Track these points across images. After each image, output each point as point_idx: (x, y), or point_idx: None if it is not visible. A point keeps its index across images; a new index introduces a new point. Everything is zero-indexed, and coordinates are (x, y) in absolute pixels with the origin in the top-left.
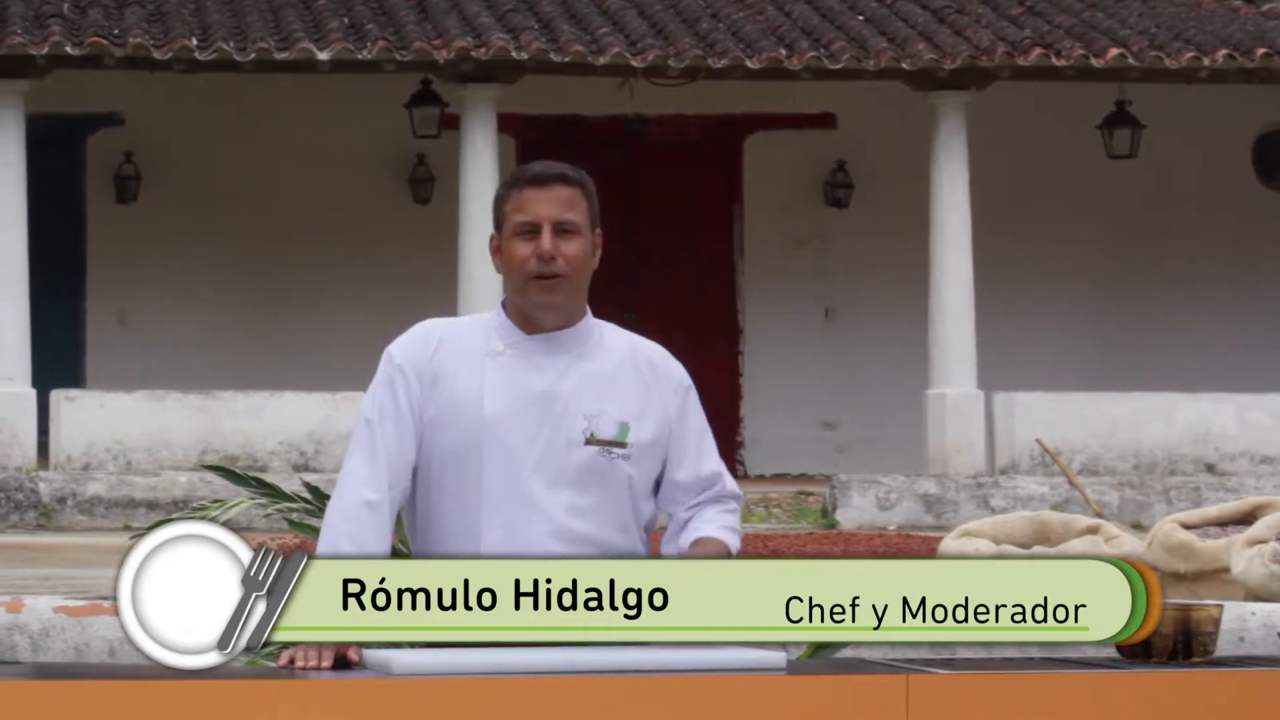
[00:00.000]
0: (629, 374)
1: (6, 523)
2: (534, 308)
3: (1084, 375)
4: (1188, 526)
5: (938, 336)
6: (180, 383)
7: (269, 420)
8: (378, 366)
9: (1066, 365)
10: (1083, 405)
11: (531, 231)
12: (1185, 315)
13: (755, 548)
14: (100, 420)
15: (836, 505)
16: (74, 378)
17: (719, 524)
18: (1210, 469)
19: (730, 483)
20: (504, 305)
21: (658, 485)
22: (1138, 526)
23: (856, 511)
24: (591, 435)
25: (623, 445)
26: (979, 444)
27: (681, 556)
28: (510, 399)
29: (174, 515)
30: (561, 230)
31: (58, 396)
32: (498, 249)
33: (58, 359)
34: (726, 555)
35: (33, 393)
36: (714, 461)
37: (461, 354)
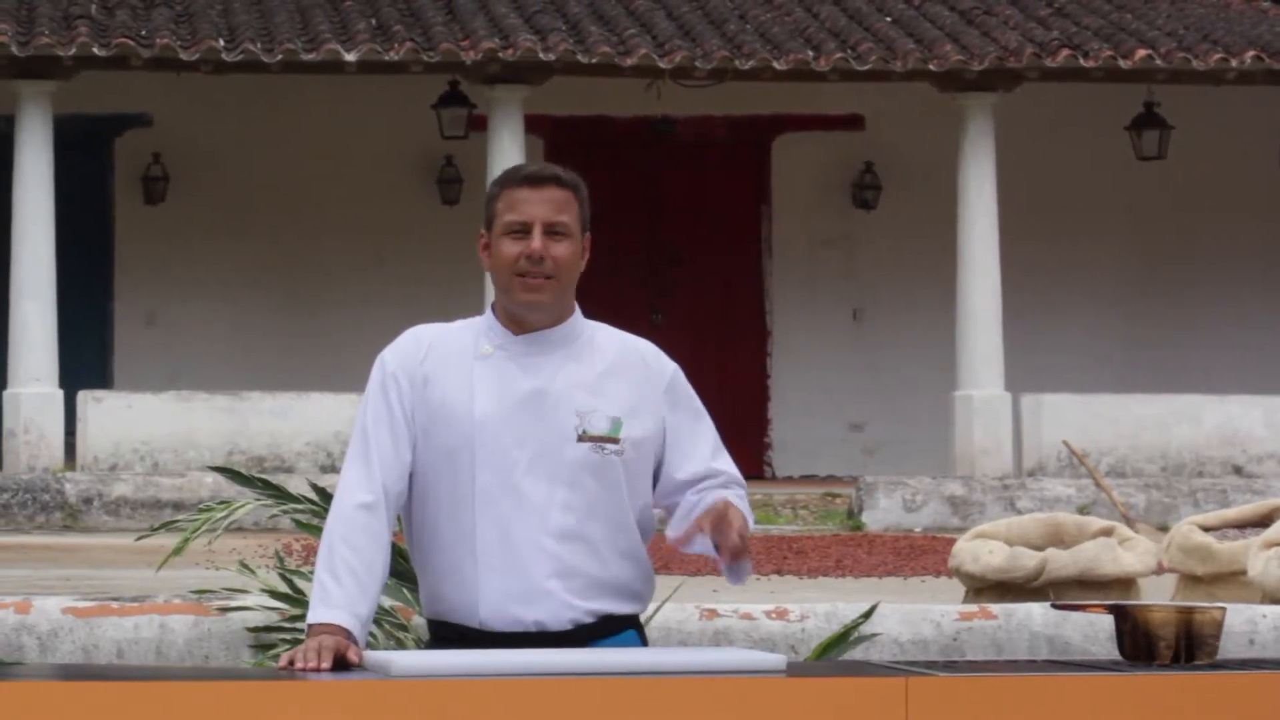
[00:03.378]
0: (620, 371)
1: (33, 523)
2: (519, 306)
3: (1111, 377)
4: (1206, 528)
5: (965, 338)
6: (208, 384)
7: (296, 421)
8: (370, 374)
9: (1094, 367)
10: (1110, 407)
11: (522, 231)
12: (1213, 317)
13: (781, 549)
14: (127, 421)
15: (863, 507)
16: (102, 379)
17: (728, 495)
18: (1238, 471)
19: (732, 470)
20: (493, 308)
21: (655, 479)
22: (1164, 528)
23: (883, 513)
24: (584, 432)
25: (615, 441)
26: (1006, 446)
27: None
28: (500, 400)
29: (178, 518)
30: (552, 232)
31: (85, 397)
32: (486, 247)
33: (85, 360)
34: (740, 516)
35: (60, 393)
36: (714, 455)
37: (450, 357)
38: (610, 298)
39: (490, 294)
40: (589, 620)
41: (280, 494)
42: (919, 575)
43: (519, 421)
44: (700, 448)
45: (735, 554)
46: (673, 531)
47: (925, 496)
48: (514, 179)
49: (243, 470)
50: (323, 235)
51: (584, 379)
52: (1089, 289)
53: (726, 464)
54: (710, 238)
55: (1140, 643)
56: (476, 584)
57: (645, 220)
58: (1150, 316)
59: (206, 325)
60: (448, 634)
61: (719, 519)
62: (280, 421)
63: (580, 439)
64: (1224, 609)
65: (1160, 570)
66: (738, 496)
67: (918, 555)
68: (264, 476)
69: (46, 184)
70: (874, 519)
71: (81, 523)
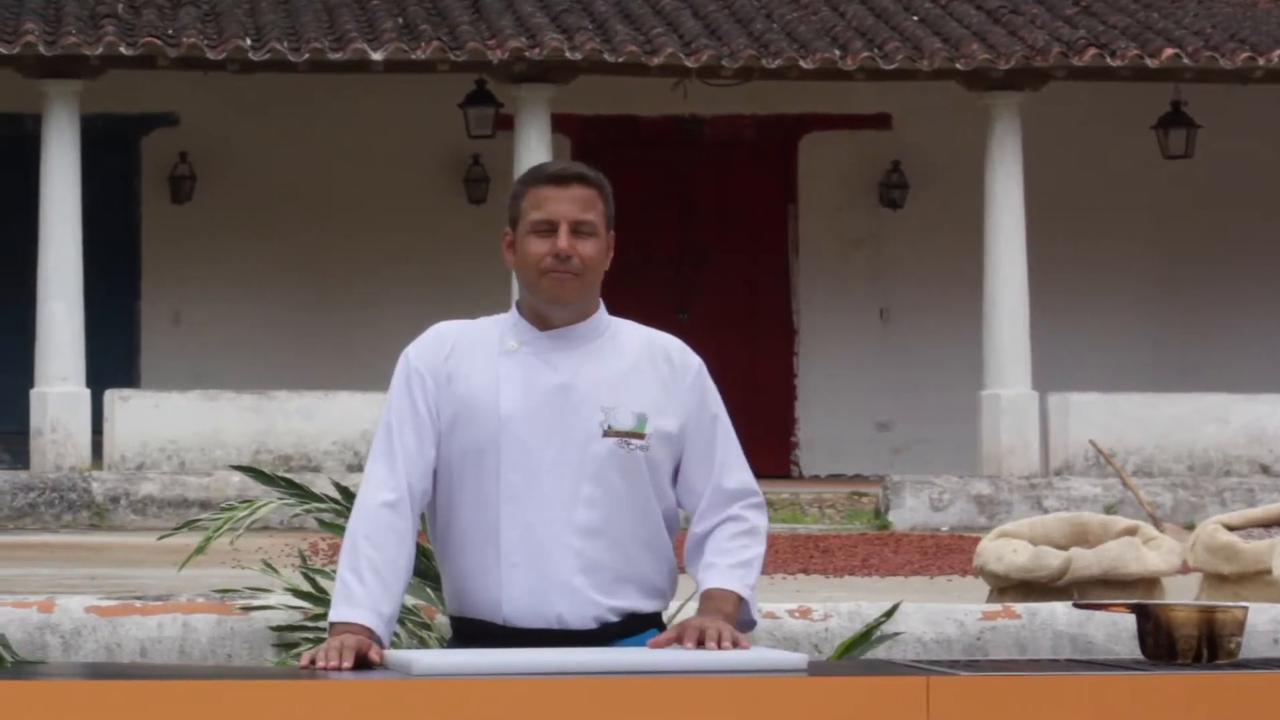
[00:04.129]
0: (645, 367)
1: (60, 522)
2: (545, 303)
3: (1138, 376)
4: (1231, 528)
5: (992, 337)
6: (234, 383)
7: (322, 420)
8: (395, 370)
9: (1121, 366)
10: (1137, 406)
11: (549, 230)
12: (1240, 316)
13: (807, 548)
14: (154, 420)
15: (889, 506)
16: (128, 378)
17: (730, 562)
18: (1265, 470)
19: (744, 483)
20: (517, 305)
21: (675, 475)
22: (1191, 528)
23: (909, 512)
24: (609, 427)
25: (640, 436)
26: (1033, 445)
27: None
28: (526, 395)
29: (200, 517)
30: (578, 230)
31: (112, 396)
32: (510, 244)
33: (112, 359)
34: (738, 603)
35: (87, 393)
36: (734, 472)
37: (475, 353)
38: (637, 297)
39: (517, 293)
40: (612, 619)
41: (303, 493)
42: (945, 574)
43: (544, 417)
44: (720, 456)
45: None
46: (689, 567)
47: (952, 496)
48: (540, 177)
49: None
50: (350, 234)
51: (608, 375)
52: (1116, 288)
53: (738, 474)
54: (737, 237)
55: (1162, 642)
56: (500, 580)
57: (672, 220)
58: (1177, 315)
59: (233, 324)
60: (471, 631)
61: (698, 637)
62: (307, 421)
63: (605, 434)
64: (1246, 608)
65: (1185, 570)
66: (741, 565)
67: (944, 554)
68: (291, 475)
69: (73, 183)
70: (901, 518)
71: (108, 522)
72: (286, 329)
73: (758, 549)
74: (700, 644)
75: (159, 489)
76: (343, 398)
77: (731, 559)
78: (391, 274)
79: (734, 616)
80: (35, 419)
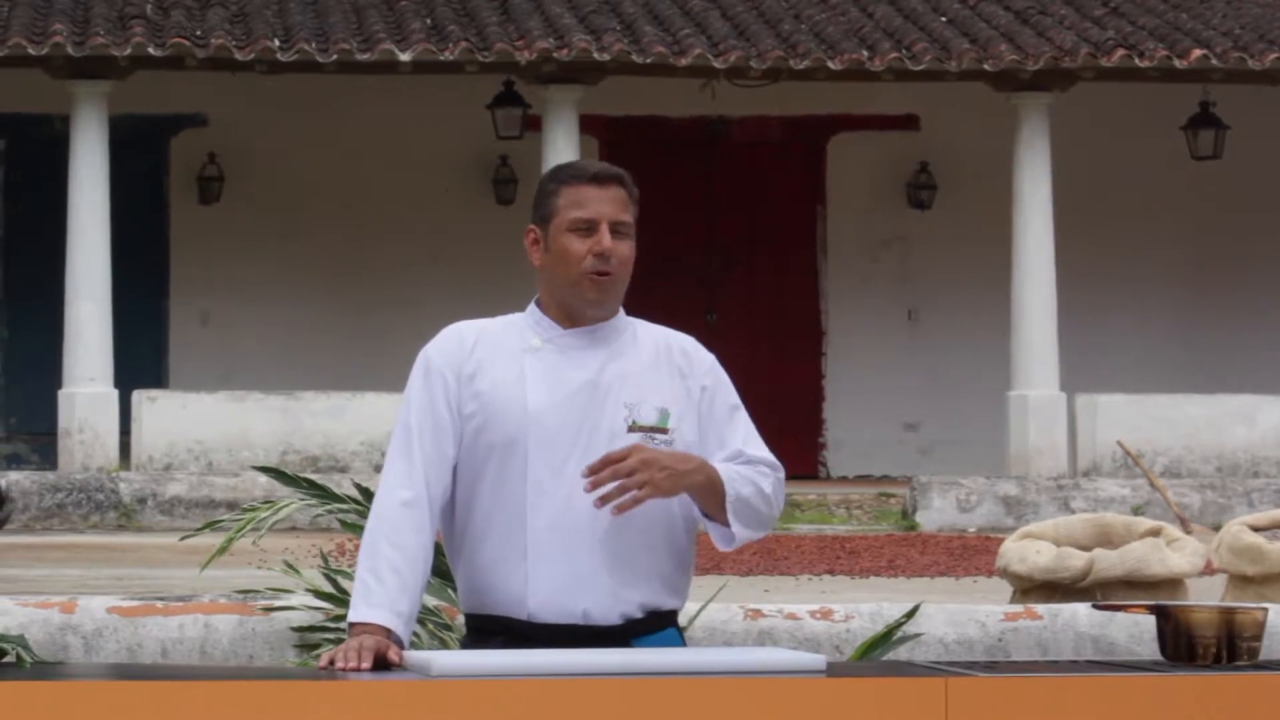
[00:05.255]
0: (663, 365)
1: (87, 523)
2: (585, 304)
3: (1166, 377)
4: (1256, 529)
5: (1020, 338)
6: (262, 383)
7: (350, 421)
8: (412, 370)
9: (1149, 367)
10: (1165, 407)
11: (588, 229)
12: (1269, 317)
13: (834, 549)
14: (182, 421)
15: (916, 507)
16: (156, 378)
17: (737, 467)
18: None
19: (765, 455)
20: (538, 302)
21: None
22: (1219, 529)
23: (937, 513)
24: (634, 423)
25: (665, 431)
26: (1061, 446)
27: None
28: (552, 392)
29: (222, 518)
30: (616, 230)
31: (139, 397)
32: (536, 241)
33: (140, 360)
34: (719, 486)
35: (115, 393)
36: (747, 441)
37: (498, 351)
38: (665, 298)
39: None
40: (636, 614)
41: (325, 494)
42: (971, 576)
43: (571, 412)
44: (733, 438)
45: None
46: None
47: (979, 497)
48: (578, 176)
49: (297, 470)
50: (377, 235)
51: (629, 371)
52: (1144, 289)
53: (759, 449)
54: (765, 238)
55: (1181, 643)
56: (526, 575)
57: (700, 220)
58: (1205, 317)
59: (261, 325)
60: (491, 627)
61: (604, 460)
62: (334, 421)
63: (630, 429)
64: (1266, 609)
65: (1210, 571)
66: (749, 475)
67: (970, 556)
68: (318, 476)
69: (102, 184)
70: (928, 519)
71: (135, 522)
72: (315, 329)
73: (766, 486)
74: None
75: (186, 490)
76: (370, 398)
77: (738, 468)
78: (419, 274)
79: (698, 483)
80: (64, 419)
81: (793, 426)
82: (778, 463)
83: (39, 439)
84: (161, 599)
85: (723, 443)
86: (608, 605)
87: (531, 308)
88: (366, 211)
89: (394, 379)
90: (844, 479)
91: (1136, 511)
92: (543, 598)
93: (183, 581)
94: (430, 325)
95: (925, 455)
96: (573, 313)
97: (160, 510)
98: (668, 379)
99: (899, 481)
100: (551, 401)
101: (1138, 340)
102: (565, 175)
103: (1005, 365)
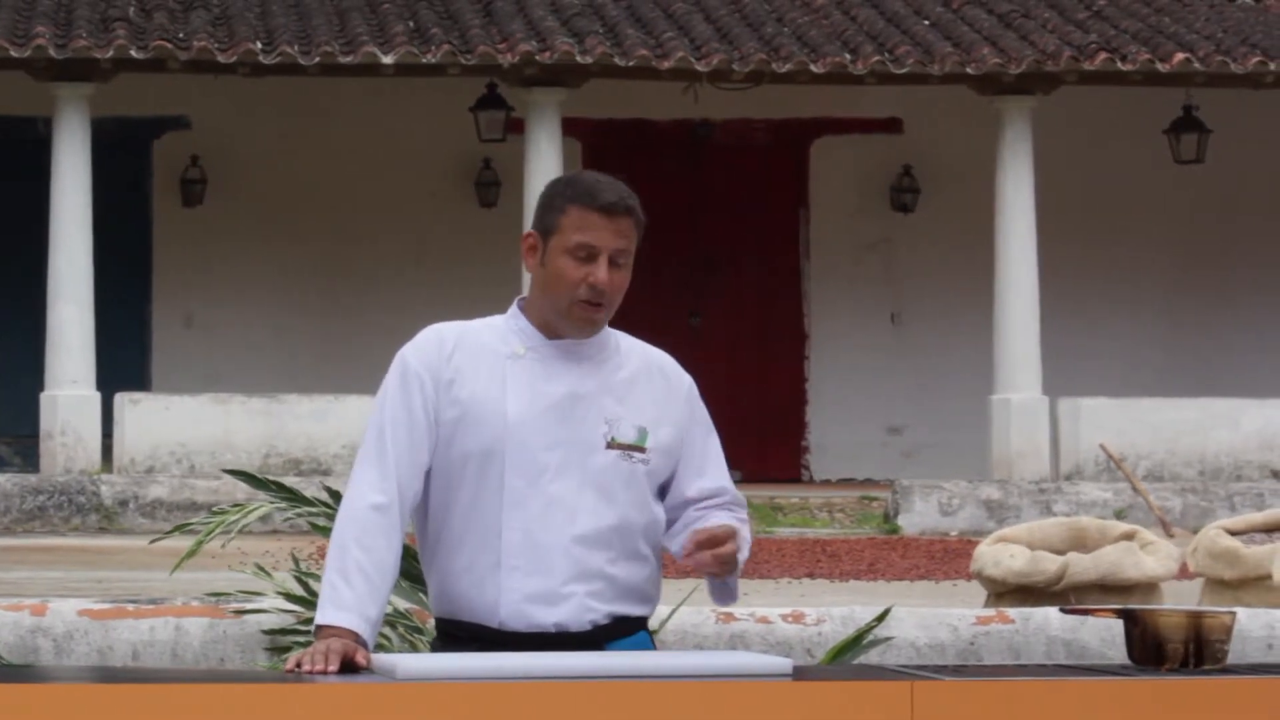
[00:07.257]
0: (643, 381)
1: (69, 525)
2: (572, 328)
3: (1149, 381)
4: (1233, 533)
5: (1003, 342)
6: (246, 386)
7: (333, 423)
8: (389, 371)
9: (1132, 371)
10: (1148, 411)
11: (589, 256)
12: (1252, 321)
13: (814, 552)
14: (164, 423)
15: (898, 510)
16: (140, 381)
17: (735, 518)
18: (1276, 475)
19: (735, 492)
20: (521, 308)
21: (662, 492)
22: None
23: (919, 517)
24: (612, 439)
25: (642, 450)
26: (1043, 449)
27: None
28: (532, 402)
29: (193, 521)
30: (614, 260)
31: (122, 399)
32: (533, 249)
33: (123, 362)
34: (732, 535)
35: (97, 396)
36: (721, 475)
37: (479, 356)
38: (649, 301)
39: (527, 292)
40: (606, 623)
41: (295, 497)
42: (951, 579)
43: (550, 424)
44: (710, 466)
45: (724, 564)
46: (674, 546)
47: (961, 500)
48: (590, 202)
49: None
50: (360, 238)
51: (611, 386)
52: (1127, 292)
53: (727, 478)
54: (748, 241)
55: (1149, 647)
56: (499, 584)
57: (683, 223)
58: (1188, 320)
59: (244, 328)
60: (461, 633)
61: (712, 540)
62: (317, 424)
63: (609, 446)
64: (1234, 613)
65: (1186, 575)
66: (739, 519)
67: (951, 559)
68: (301, 479)
69: (84, 186)
70: (910, 522)
71: (117, 525)
72: (297, 332)
73: (747, 532)
74: (714, 540)
75: (168, 493)
76: (353, 401)
77: (735, 520)
78: (402, 277)
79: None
80: (46, 422)
81: (776, 430)
82: (742, 498)
83: (21, 441)
84: (133, 601)
85: (701, 470)
86: (579, 617)
87: (514, 310)
88: (349, 214)
89: (377, 382)
90: (827, 482)
91: (1119, 515)
92: (514, 608)
93: (163, 584)
94: (413, 328)
95: (909, 459)
96: (558, 331)
97: (142, 513)
98: (647, 396)
99: (882, 485)
100: (531, 412)
101: (1121, 344)
102: (576, 194)
103: (988, 369)
